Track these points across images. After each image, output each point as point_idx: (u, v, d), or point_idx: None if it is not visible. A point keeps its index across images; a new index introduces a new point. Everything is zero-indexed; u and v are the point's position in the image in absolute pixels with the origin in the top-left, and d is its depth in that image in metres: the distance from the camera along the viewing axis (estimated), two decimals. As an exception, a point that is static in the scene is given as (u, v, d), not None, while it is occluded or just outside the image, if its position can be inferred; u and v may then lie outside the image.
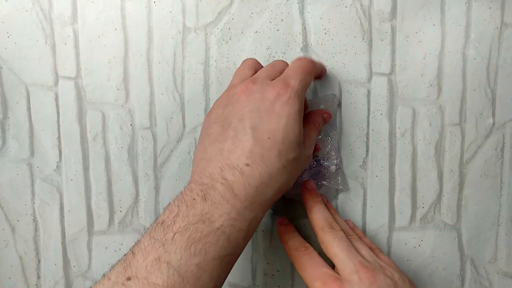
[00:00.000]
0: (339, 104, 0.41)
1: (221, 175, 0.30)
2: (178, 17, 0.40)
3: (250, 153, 0.31)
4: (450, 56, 0.42)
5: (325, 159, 0.41)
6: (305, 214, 0.39)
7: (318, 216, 0.37)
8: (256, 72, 0.36)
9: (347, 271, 0.33)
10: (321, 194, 0.40)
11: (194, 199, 0.30)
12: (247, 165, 0.31)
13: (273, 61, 0.37)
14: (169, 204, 0.31)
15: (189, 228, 0.28)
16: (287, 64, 0.37)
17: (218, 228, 0.29)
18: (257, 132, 0.32)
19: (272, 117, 0.32)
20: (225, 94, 0.34)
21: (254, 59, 0.38)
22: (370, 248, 0.37)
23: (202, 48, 0.41)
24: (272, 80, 0.34)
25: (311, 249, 0.36)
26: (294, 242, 0.37)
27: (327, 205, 0.40)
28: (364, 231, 0.43)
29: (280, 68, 0.36)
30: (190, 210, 0.29)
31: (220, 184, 0.30)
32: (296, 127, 0.32)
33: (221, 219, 0.29)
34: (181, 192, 0.31)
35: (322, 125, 0.39)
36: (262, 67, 0.37)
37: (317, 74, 0.38)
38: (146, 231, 0.30)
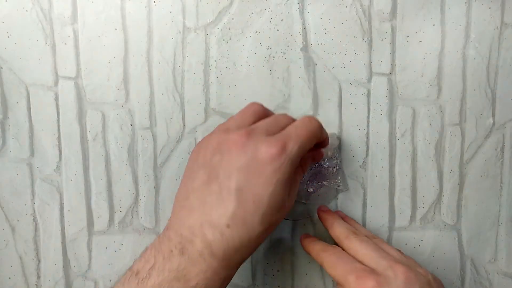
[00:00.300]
0: (340, 145, 0.40)
1: (201, 231, 0.30)
2: (178, 17, 0.40)
3: (232, 215, 0.30)
4: (450, 56, 0.42)
5: (326, 160, 0.41)
6: (305, 214, 0.39)
7: (340, 229, 0.37)
8: (258, 120, 0.33)
9: (381, 268, 0.32)
10: (336, 210, 0.42)
11: (172, 251, 0.29)
12: (228, 226, 0.30)
13: (277, 114, 0.35)
14: (146, 250, 0.31)
15: (163, 286, 0.29)
16: (292, 120, 0.34)
17: (193, 287, 0.29)
18: (243, 194, 0.30)
19: (260, 181, 0.30)
20: (217, 135, 0.32)
21: (260, 104, 0.35)
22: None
23: (202, 48, 0.41)
24: (270, 135, 0.31)
25: (338, 248, 0.36)
26: (321, 245, 0.37)
27: (345, 219, 0.41)
28: (364, 231, 0.43)
29: (283, 124, 0.33)
30: (166, 263, 0.29)
31: (200, 241, 0.29)
32: (283, 194, 0.31)
33: (197, 278, 0.29)
34: (158, 237, 0.31)
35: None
36: (267, 114, 0.35)
37: (319, 141, 0.35)
38: (120, 280, 0.30)
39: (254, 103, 0.35)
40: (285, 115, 0.34)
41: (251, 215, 0.30)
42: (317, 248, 0.37)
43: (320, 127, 0.34)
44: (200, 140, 0.37)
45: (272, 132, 0.32)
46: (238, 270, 0.43)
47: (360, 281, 0.32)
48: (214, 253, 0.29)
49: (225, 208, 0.30)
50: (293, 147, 0.31)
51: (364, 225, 0.43)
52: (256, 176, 0.30)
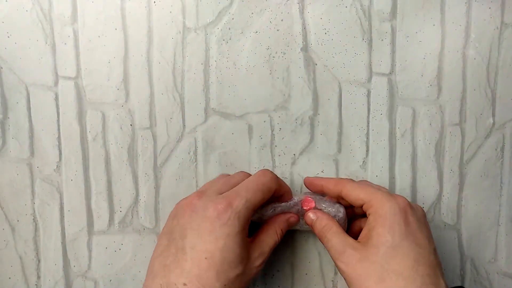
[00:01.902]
0: (344, 217, 0.38)
1: None
2: (178, 17, 0.40)
3: (188, 274, 0.31)
4: (450, 56, 0.42)
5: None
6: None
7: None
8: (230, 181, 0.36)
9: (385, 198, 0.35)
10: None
11: None
12: (185, 285, 0.31)
13: (235, 173, 0.38)
14: None
15: None
16: (248, 176, 0.37)
17: None
18: (195, 252, 0.32)
19: (211, 237, 0.32)
20: (178, 203, 0.35)
21: (227, 175, 0.39)
22: None
23: (202, 48, 0.41)
24: (221, 194, 0.34)
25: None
26: (333, 178, 0.40)
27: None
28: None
29: (236, 181, 0.36)
30: None
31: None
32: (236, 248, 0.32)
33: None
34: None
35: (286, 229, 0.38)
36: (239, 179, 0.37)
37: (278, 194, 0.37)
38: None
39: (221, 175, 0.40)
40: (241, 173, 0.38)
41: (205, 272, 0.31)
42: (332, 181, 0.38)
43: (273, 179, 0.35)
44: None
45: (224, 191, 0.34)
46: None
47: (391, 196, 0.35)
48: None
49: (181, 267, 0.31)
50: (239, 202, 0.33)
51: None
52: (207, 233, 0.32)
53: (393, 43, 0.42)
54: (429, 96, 0.43)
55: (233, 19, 0.41)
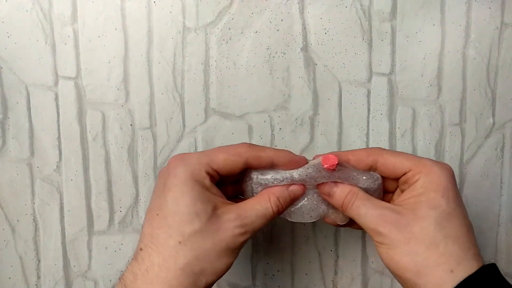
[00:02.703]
0: (380, 187, 0.35)
1: (125, 271, 0.30)
2: (178, 17, 0.40)
3: (143, 237, 0.30)
4: (450, 56, 0.42)
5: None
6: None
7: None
8: None
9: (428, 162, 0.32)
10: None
11: None
12: (141, 249, 0.30)
13: None
14: None
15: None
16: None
17: None
18: (149, 212, 0.31)
19: (161, 192, 0.30)
20: None
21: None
22: None
23: (202, 48, 0.41)
24: None
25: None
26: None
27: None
28: (363, 231, 0.43)
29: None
30: None
31: (119, 283, 0.30)
32: (187, 199, 0.30)
33: None
34: None
35: (288, 200, 0.33)
36: None
37: (256, 162, 0.32)
38: None
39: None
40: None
41: (157, 229, 0.30)
42: (361, 151, 0.34)
43: (245, 145, 0.32)
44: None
45: None
46: (238, 270, 0.43)
47: (438, 162, 0.32)
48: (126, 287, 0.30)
49: (141, 232, 0.31)
50: (193, 155, 0.32)
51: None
52: (159, 190, 0.31)
53: (393, 43, 0.42)
54: (429, 96, 0.43)
55: (233, 19, 0.41)
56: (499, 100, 0.43)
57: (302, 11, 0.41)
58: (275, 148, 0.36)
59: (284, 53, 0.41)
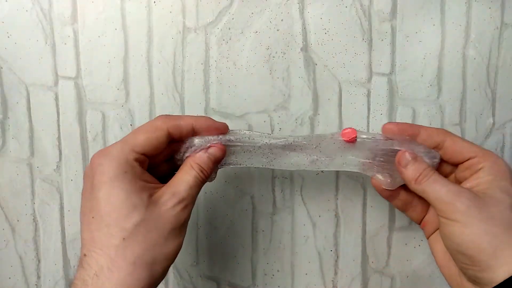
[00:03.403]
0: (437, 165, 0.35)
1: (74, 278, 0.29)
2: (178, 17, 0.40)
3: (84, 242, 0.29)
4: (450, 56, 0.42)
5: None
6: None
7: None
8: None
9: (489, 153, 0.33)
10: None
11: None
12: (85, 255, 0.28)
13: None
14: None
15: None
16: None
17: None
18: (83, 216, 0.29)
19: (90, 194, 0.29)
20: None
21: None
22: None
23: (202, 48, 0.41)
24: None
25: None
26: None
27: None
28: (364, 231, 0.43)
29: None
30: None
31: None
32: (120, 193, 0.28)
33: None
34: None
35: (210, 163, 0.32)
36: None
37: (177, 131, 0.32)
38: None
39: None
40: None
41: (97, 232, 0.28)
42: (433, 128, 0.35)
43: (162, 118, 0.32)
44: None
45: None
46: (238, 270, 0.43)
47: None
48: None
49: (81, 239, 0.30)
50: (114, 145, 0.31)
51: (364, 225, 0.43)
52: (87, 191, 0.30)
53: (393, 43, 0.42)
54: (429, 96, 0.43)
55: (233, 19, 0.41)
56: (499, 100, 0.43)
57: (302, 11, 0.41)
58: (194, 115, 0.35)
59: (284, 53, 0.41)
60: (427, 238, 0.37)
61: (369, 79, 0.42)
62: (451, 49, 0.42)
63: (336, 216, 0.43)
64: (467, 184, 0.33)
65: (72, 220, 0.41)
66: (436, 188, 0.31)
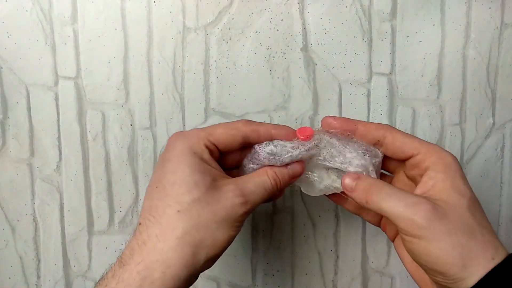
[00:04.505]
0: (379, 164, 0.33)
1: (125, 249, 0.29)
2: (178, 17, 0.40)
3: (142, 211, 0.30)
4: (450, 56, 0.42)
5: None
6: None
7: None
8: None
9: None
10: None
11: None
12: (139, 224, 0.29)
13: None
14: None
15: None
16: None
17: None
18: (148, 188, 0.30)
19: (160, 166, 0.31)
20: None
21: None
22: None
23: (202, 48, 0.41)
24: None
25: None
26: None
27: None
28: (364, 231, 0.43)
29: None
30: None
31: (117, 260, 0.29)
32: (185, 169, 0.29)
33: None
34: None
35: (287, 182, 0.32)
36: None
37: (255, 135, 0.32)
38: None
39: None
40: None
41: (156, 201, 0.29)
42: (371, 124, 0.33)
43: (243, 121, 0.32)
44: None
45: None
46: (238, 270, 0.43)
47: (443, 149, 0.31)
48: (122, 262, 0.29)
49: (142, 208, 0.31)
50: (192, 130, 0.32)
51: (364, 225, 0.43)
52: (159, 165, 0.31)
53: (393, 43, 0.42)
54: (429, 96, 0.43)
55: (233, 19, 0.41)
56: (499, 100, 0.43)
57: (302, 11, 0.41)
58: (274, 124, 0.36)
59: (284, 53, 0.41)
60: (392, 242, 0.35)
61: (369, 79, 0.42)
62: (451, 49, 0.42)
63: (336, 216, 0.43)
64: (419, 190, 0.30)
65: (72, 220, 0.41)
66: (391, 204, 0.29)
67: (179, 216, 0.28)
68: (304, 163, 0.33)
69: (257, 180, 0.31)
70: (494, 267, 0.27)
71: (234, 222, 0.30)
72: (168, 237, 0.28)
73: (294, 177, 0.33)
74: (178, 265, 0.27)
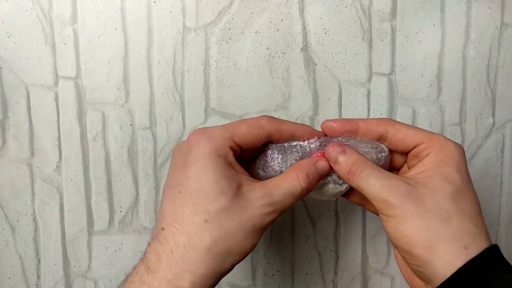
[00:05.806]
0: (388, 157, 0.33)
1: (145, 251, 0.29)
2: (178, 17, 0.40)
3: (163, 215, 0.29)
4: (450, 56, 0.42)
5: None
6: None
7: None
8: None
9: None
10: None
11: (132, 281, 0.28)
12: (162, 229, 0.28)
13: None
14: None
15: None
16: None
17: None
18: (170, 189, 0.29)
19: (183, 169, 0.29)
20: None
21: None
22: None
23: (202, 48, 0.41)
24: None
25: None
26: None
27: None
28: (364, 231, 0.43)
29: None
30: None
31: (141, 264, 0.28)
32: (211, 175, 0.28)
33: None
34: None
35: (316, 177, 0.31)
36: None
37: (278, 134, 0.32)
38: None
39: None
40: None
41: (180, 207, 0.28)
42: (372, 120, 0.33)
43: (267, 118, 0.32)
44: None
45: None
46: (238, 270, 0.43)
47: (449, 139, 0.31)
48: (149, 268, 0.28)
49: (162, 211, 0.30)
50: (214, 128, 0.30)
51: (364, 225, 0.43)
52: (179, 166, 0.30)
53: (393, 43, 0.42)
54: (429, 96, 0.43)
55: (233, 19, 0.41)
56: (499, 100, 0.43)
57: (302, 11, 0.41)
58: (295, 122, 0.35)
59: (284, 53, 0.41)
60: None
61: (369, 79, 0.42)
62: (451, 49, 0.42)
63: (336, 216, 0.43)
64: (410, 172, 0.31)
65: (72, 220, 0.41)
66: (369, 184, 0.29)
67: (207, 226, 0.28)
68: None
69: (287, 187, 0.30)
70: (469, 260, 0.26)
71: (260, 230, 0.29)
72: (196, 247, 0.28)
73: (323, 176, 0.32)
74: (206, 274, 0.28)
